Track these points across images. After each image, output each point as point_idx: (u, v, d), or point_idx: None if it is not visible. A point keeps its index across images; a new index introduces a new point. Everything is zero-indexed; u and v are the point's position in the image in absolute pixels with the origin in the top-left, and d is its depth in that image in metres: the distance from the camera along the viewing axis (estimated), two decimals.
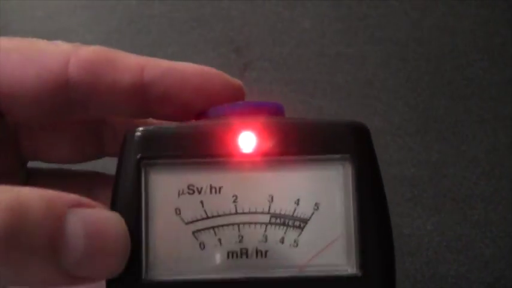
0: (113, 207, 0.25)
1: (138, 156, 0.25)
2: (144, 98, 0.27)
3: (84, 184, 0.32)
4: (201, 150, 0.26)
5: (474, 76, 0.63)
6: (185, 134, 0.26)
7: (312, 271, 0.25)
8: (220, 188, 0.26)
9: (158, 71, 0.27)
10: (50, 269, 0.22)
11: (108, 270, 0.24)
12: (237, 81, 0.29)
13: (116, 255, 0.23)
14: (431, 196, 0.58)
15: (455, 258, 0.56)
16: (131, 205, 0.25)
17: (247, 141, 0.26)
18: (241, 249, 0.25)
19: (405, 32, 0.66)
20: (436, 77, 0.63)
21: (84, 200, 0.23)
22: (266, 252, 0.25)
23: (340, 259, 0.25)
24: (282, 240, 0.26)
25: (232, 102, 0.27)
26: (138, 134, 0.26)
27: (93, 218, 0.23)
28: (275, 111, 0.27)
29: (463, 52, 0.64)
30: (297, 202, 0.26)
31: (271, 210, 0.26)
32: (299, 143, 0.26)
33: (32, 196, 0.22)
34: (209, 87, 0.28)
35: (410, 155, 0.60)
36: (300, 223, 0.26)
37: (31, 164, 0.32)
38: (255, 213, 0.26)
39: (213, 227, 0.26)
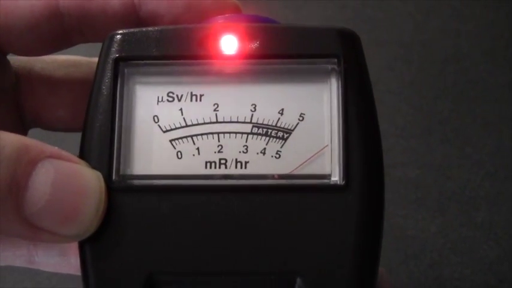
0: (88, 110, 0.24)
1: (115, 57, 0.24)
2: (135, 18, 0.27)
3: None
4: (181, 52, 0.24)
5: (478, 78, 0.63)
6: (166, 36, 0.24)
7: (294, 181, 0.24)
8: (201, 96, 0.25)
9: None
10: (8, 213, 0.21)
11: (72, 228, 0.22)
12: None
13: (83, 214, 0.22)
14: (435, 198, 0.58)
15: (460, 261, 0.56)
16: (106, 109, 0.24)
17: (229, 43, 0.24)
18: (220, 160, 0.24)
19: (409, 35, 0.66)
20: (440, 79, 0.63)
21: (65, 153, 0.23)
22: (246, 163, 0.24)
23: (324, 169, 0.24)
24: (264, 151, 0.24)
25: (223, 15, 0.26)
26: (116, 35, 0.25)
27: (68, 170, 0.22)
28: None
29: (467, 54, 0.64)
30: (281, 112, 0.24)
31: (254, 120, 0.24)
32: (284, 46, 0.24)
33: (9, 138, 0.22)
34: (199, 3, 0.27)
35: (414, 157, 0.60)
36: (284, 134, 0.24)
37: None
38: (237, 122, 0.24)
39: (191, 136, 0.24)
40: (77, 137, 0.29)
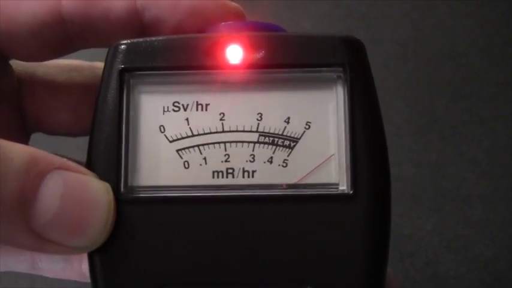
0: (94, 121, 0.24)
1: (120, 68, 0.24)
2: (138, 23, 0.27)
3: None
4: (186, 62, 0.24)
5: (474, 76, 0.63)
6: (170, 46, 0.24)
7: (302, 190, 0.24)
8: (207, 105, 0.25)
9: None
10: (16, 225, 0.21)
11: (80, 240, 0.22)
12: (234, 4, 0.27)
13: (92, 226, 0.22)
14: (431, 196, 0.58)
15: (455, 259, 0.56)
16: (112, 120, 0.24)
17: (234, 53, 0.24)
18: (227, 169, 0.24)
19: (405, 32, 0.66)
20: (436, 77, 0.63)
21: (74, 165, 0.23)
22: (253, 172, 0.24)
23: (331, 178, 0.24)
24: (271, 160, 0.24)
25: (228, 22, 0.26)
26: (121, 45, 0.25)
27: (76, 182, 0.22)
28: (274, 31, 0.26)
29: (463, 52, 0.64)
30: (287, 120, 0.24)
31: (260, 129, 0.24)
32: (289, 55, 0.24)
33: (17, 150, 0.21)
34: (203, 9, 0.27)
35: (410, 155, 0.60)
36: (290, 142, 0.24)
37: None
38: (243, 131, 0.24)
39: (198, 146, 0.24)
40: (77, 141, 0.29)
